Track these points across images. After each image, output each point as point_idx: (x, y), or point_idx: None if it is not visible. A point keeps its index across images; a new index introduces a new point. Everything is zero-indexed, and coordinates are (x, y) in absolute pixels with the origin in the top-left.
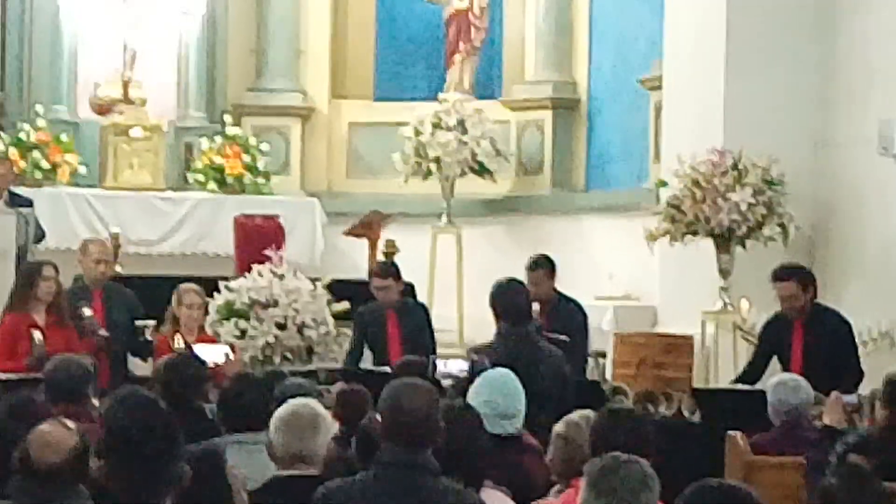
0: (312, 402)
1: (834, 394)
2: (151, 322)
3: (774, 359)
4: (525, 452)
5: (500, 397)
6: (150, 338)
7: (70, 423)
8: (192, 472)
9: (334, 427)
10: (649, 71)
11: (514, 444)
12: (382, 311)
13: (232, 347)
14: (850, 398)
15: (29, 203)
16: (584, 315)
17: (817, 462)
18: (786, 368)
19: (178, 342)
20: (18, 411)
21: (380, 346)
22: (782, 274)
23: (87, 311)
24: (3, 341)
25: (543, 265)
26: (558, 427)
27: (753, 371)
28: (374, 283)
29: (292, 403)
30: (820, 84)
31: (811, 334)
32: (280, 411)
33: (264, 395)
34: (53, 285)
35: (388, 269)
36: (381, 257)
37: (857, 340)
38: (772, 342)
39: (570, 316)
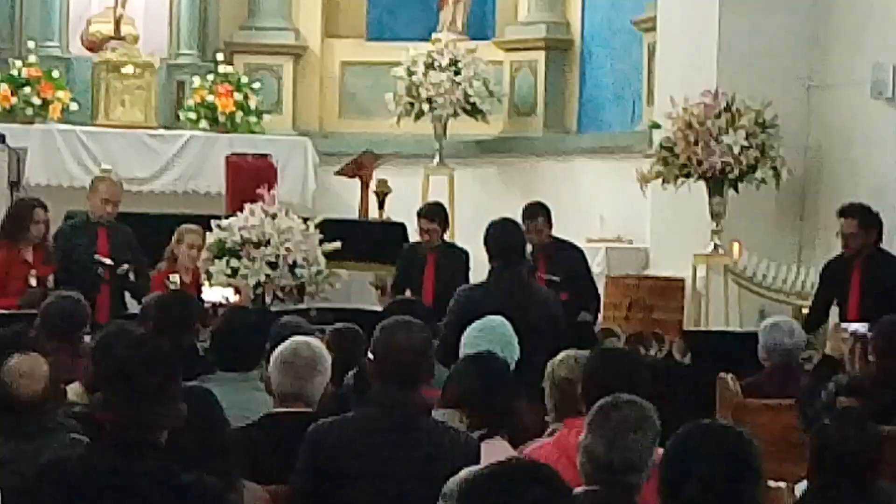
0: (314, 342)
1: (834, 323)
2: (125, 266)
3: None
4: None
5: (491, 346)
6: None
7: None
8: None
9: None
10: (643, 12)
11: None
12: (423, 252)
13: (238, 289)
14: (860, 327)
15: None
16: (584, 256)
17: (809, 404)
18: (843, 310)
19: (174, 280)
20: (11, 344)
21: (415, 287)
22: (847, 210)
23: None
24: None
25: (543, 212)
26: (552, 366)
27: (816, 315)
28: (420, 223)
29: (295, 341)
30: (814, 26)
31: (868, 275)
32: (281, 348)
33: (257, 333)
34: (43, 228)
35: (436, 212)
36: (372, 197)
37: None
38: (830, 284)
39: (569, 259)
